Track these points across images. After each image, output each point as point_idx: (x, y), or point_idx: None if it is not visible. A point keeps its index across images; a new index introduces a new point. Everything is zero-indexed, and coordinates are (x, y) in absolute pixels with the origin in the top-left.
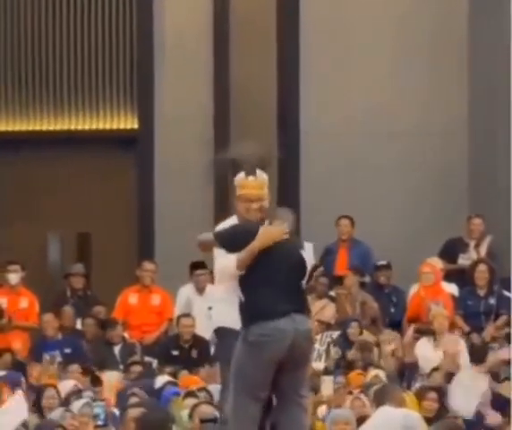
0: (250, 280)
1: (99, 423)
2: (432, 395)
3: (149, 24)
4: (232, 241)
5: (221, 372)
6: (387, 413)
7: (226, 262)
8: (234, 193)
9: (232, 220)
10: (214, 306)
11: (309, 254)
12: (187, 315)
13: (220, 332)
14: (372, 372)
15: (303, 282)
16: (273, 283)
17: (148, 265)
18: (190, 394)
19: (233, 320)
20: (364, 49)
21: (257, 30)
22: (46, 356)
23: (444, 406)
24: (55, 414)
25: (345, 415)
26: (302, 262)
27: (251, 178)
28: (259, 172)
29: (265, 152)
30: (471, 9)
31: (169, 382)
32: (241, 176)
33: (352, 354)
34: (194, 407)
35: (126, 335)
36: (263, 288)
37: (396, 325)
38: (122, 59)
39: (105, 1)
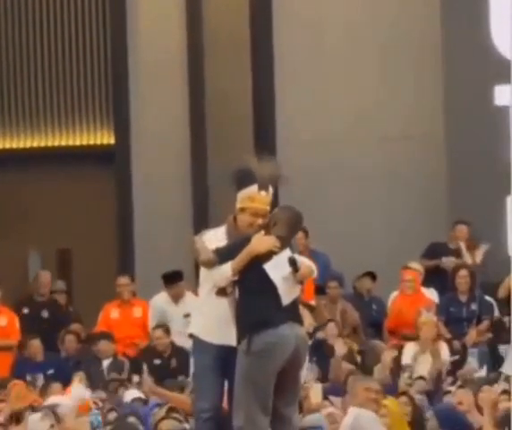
0: (248, 289)
1: None
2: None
3: (124, 40)
4: (230, 257)
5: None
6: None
7: (224, 268)
8: (234, 205)
9: (220, 231)
10: (192, 314)
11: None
12: (159, 327)
13: (194, 341)
14: None
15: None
16: (271, 292)
17: (122, 280)
18: (172, 409)
19: (205, 330)
20: (340, 53)
21: (231, 41)
22: (29, 378)
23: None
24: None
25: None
26: None
27: (263, 193)
28: (270, 189)
29: (276, 171)
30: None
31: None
32: (252, 188)
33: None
34: (158, 421)
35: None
36: (262, 298)
37: (378, 329)
38: (97, 75)
39: (78, 18)
